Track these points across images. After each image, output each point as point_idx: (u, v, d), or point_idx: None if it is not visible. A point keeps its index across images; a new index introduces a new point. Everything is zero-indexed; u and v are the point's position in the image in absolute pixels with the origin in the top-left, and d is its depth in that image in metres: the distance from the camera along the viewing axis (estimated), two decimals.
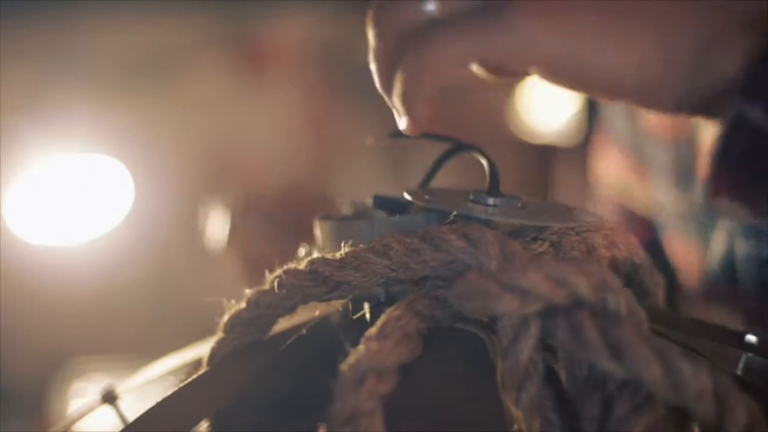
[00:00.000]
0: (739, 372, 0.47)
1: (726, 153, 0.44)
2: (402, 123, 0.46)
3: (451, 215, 0.44)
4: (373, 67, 0.46)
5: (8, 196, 1.78)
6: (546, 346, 0.40)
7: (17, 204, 1.79)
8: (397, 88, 0.44)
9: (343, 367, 0.38)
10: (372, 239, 0.43)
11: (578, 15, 0.43)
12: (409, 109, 0.45)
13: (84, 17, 1.91)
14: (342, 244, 0.44)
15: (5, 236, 1.76)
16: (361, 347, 0.39)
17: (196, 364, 0.47)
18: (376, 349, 0.39)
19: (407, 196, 0.45)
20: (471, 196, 0.45)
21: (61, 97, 1.88)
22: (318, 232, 0.49)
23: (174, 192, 1.90)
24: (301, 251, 0.49)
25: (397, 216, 0.46)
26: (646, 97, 0.45)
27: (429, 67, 0.43)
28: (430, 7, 0.44)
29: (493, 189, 0.45)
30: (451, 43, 0.43)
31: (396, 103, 0.45)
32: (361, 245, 0.43)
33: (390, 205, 0.48)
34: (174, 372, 0.52)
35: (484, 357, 0.42)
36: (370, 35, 0.46)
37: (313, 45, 2.03)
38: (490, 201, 0.45)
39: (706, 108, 0.45)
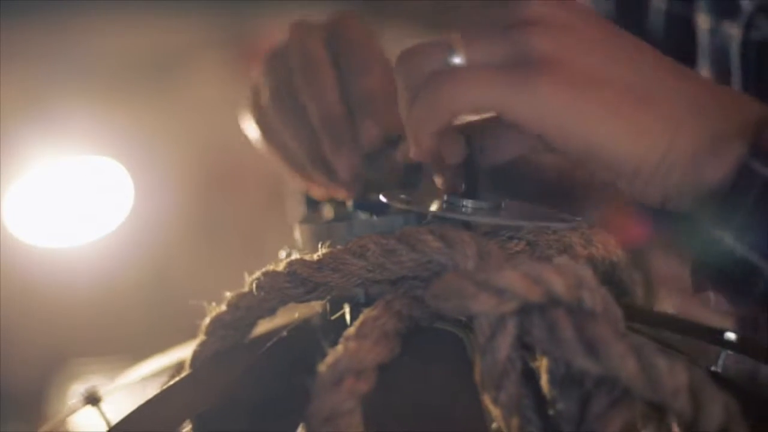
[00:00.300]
0: (717, 369, 0.47)
1: (701, 274, 0.46)
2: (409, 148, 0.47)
3: (429, 216, 0.43)
4: (400, 104, 0.46)
5: (8, 197, 1.78)
6: (524, 345, 0.40)
7: (17, 205, 1.79)
8: (410, 115, 0.44)
9: (322, 367, 0.38)
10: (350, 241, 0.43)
11: (601, 94, 0.43)
12: (416, 138, 0.45)
13: (83, 19, 1.91)
14: (320, 246, 0.43)
15: (5, 237, 1.76)
16: (339, 347, 0.39)
17: (179, 366, 0.47)
18: (354, 348, 0.39)
19: (383, 198, 0.45)
20: (447, 197, 0.45)
21: (60, 98, 1.88)
22: (298, 235, 0.49)
23: (174, 194, 1.90)
24: (282, 253, 0.49)
25: (375, 217, 0.46)
26: (637, 184, 0.45)
27: (442, 104, 0.43)
28: (457, 59, 0.44)
29: (470, 191, 0.45)
30: (470, 87, 0.43)
31: (407, 128, 0.45)
32: (339, 246, 0.43)
33: (370, 207, 0.48)
34: (157, 374, 0.52)
35: (463, 356, 0.42)
36: (397, 76, 0.46)
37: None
38: (466, 203, 0.45)
39: (686, 208, 0.45)
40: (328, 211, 0.51)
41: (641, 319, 0.48)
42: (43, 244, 1.79)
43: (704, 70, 0.69)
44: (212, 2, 2.01)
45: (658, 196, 0.45)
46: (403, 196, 0.46)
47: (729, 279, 0.44)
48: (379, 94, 0.57)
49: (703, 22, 0.68)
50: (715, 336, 0.48)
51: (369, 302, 0.44)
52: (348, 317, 0.45)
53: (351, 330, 0.40)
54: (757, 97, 0.62)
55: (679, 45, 0.70)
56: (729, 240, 0.43)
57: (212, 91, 2.00)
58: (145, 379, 0.51)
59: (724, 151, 0.44)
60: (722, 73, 0.67)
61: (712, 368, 0.47)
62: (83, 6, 1.90)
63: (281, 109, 0.60)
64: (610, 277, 0.49)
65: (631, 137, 0.43)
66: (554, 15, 0.44)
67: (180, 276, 1.84)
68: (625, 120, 0.43)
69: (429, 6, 1.97)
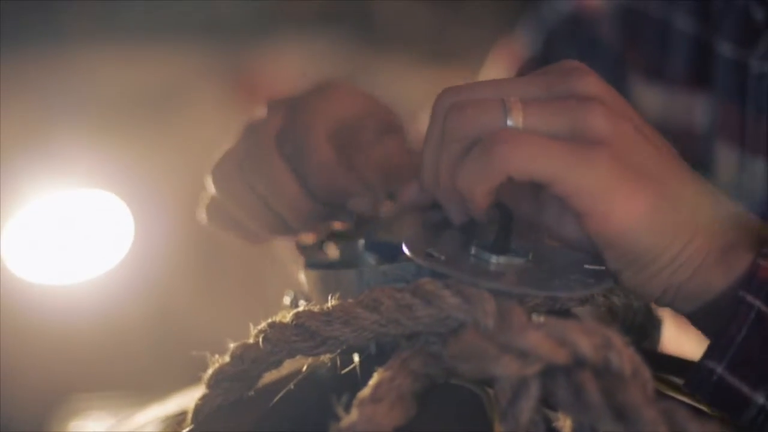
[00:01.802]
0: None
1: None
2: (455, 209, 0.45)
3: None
4: (429, 160, 0.45)
5: (7, 233, 1.74)
6: (547, 404, 0.37)
7: (16, 241, 1.75)
8: (463, 170, 0.42)
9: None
10: (361, 290, 0.40)
11: (646, 186, 0.42)
12: (470, 199, 0.43)
13: (82, 53, 1.88)
14: (329, 297, 0.40)
15: (4, 274, 1.71)
16: (354, 411, 0.36)
17: (181, 418, 0.44)
18: (369, 413, 0.36)
19: (408, 252, 0.42)
20: (474, 251, 0.42)
21: (59, 132, 1.85)
22: (304, 280, 0.45)
23: (174, 228, 1.86)
24: (286, 299, 0.45)
25: (386, 265, 0.43)
26: (644, 275, 0.44)
27: (498, 164, 0.41)
28: (510, 122, 0.42)
29: (502, 245, 0.42)
30: (528, 152, 0.41)
31: (461, 191, 0.43)
32: (349, 299, 0.40)
33: (380, 249, 0.44)
34: (158, 423, 0.48)
35: (481, 414, 0.39)
36: (446, 132, 0.43)
37: (311, 79, 2.00)
38: (493, 258, 0.42)
39: (683, 309, 0.45)
40: (332, 250, 0.47)
41: (664, 366, 0.46)
42: (43, 280, 1.75)
43: (718, 100, 0.67)
44: (209, 36, 1.99)
45: (659, 290, 0.44)
46: (429, 250, 0.42)
47: (720, 404, 0.44)
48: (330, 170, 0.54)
49: (725, 50, 0.66)
50: None
51: (380, 354, 0.41)
52: (359, 370, 0.41)
53: (365, 392, 0.36)
54: None
55: (697, 71, 0.69)
56: (719, 371, 0.43)
57: (211, 125, 1.97)
58: (146, 429, 0.48)
59: (733, 260, 0.44)
60: (735, 104, 0.66)
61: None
62: (82, 40, 1.88)
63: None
64: (630, 323, 0.47)
65: (658, 232, 0.43)
66: (612, 97, 0.43)
67: (181, 311, 1.80)
68: (660, 216, 0.43)
69: (427, 36, 1.96)
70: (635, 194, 0.42)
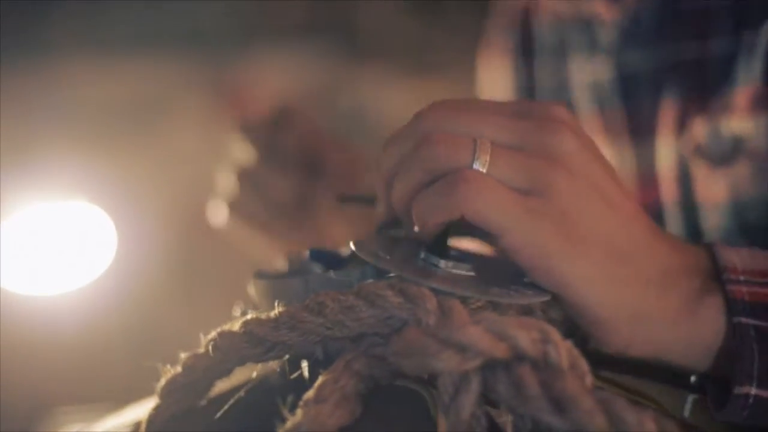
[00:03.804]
0: (686, 414, 0.44)
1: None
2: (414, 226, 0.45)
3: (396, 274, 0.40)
4: (399, 195, 0.44)
5: None
6: (489, 401, 0.36)
7: None
8: (422, 199, 0.43)
9: None
10: (307, 297, 0.39)
11: (591, 249, 0.43)
12: (423, 226, 0.43)
13: (64, 65, 1.86)
14: (276, 303, 0.40)
15: None
16: (298, 412, 0.35)
17: (135, 428, 0.43)
18: (314, 414, 0.36)
19: (356, 251, 0.42)
20: (422, 255, 0.42)
21: (42, 144, 1.83)
22: (253, 290, 0.45)
23: (157, 240, 1.85)
24: (236, 310, 0.45)
25: (332, 272, 0.42)
26: (603, 331, 0.44)
27: (455, 203, 0.42)
28: (477, 164, 0.43)
29: (441, 250, 0.42)
30: (485, 200, 0.42)
31: (415, 217, 0.43)
32: (295, 303, 0.39)
33: (326, 259, 0.44)
34: None
35: (425, 414, 0.38)
36: (414, 160, 0.44)
37: (295, 92, 1.99)
38: (441, 263, 0.42)
39: (671, 356, 0.46)
40: (282, 263, 0.47)
41: (608, 365, 0.45)
42: (25, 291, 1.73)
43: (582, 116, 0.69)
44: (192, 48, 1.98)
45: (621, 345, 0.45)
46: (375, 250, 0.42)
47: (760, 418, 0.45)
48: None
49: (579, 74, 0.69)
50: (681, 380, 0.45)
51: (328, 359, 0.40)
52: (306, 375, 0.41)
53: (310, 394, 0.36)
54: (635, 122, 0.65)
55: None
56: (755, 391, 0.44)
57: (194, 137, 1.96)
58: None
59: (703, 312, 0.44)
60: (600, 113, 0.68)
61: (684, 414, 0.44)
62: (64, 52, 1.86)
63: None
64: (571, 332, 0.46)
65: (606, 289, 0.43)
66: (583, 154, 0.44)
67: (164, 322, 1.78)
68: (607, 274, 0.43)
69: (410, 48, 1.95)
70: (578, 254, 0.42)
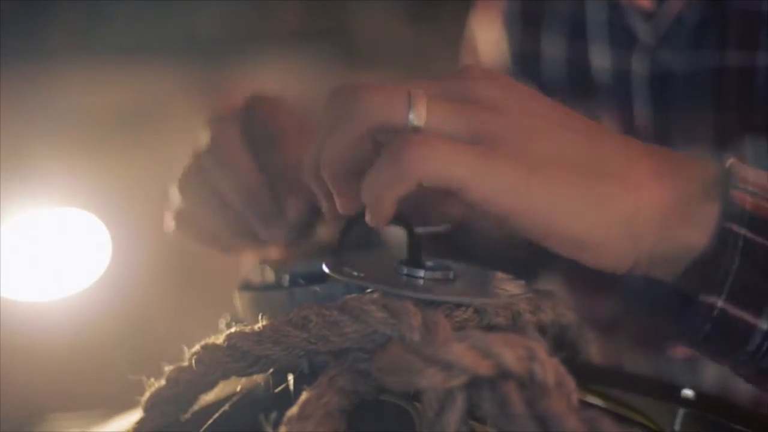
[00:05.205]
0: (677, 428, 0.43)
1: (685, 341, 0.43)
2: (368, 215, 0.41)
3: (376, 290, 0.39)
4: (332, 153, 0.41)
5: None
6: (474, 417, 0.36)
7: None
8: (373, 178, 0.39)
9: None
10: (291, 309, 0.38)
11: (553, 171, 0.40)
12: (378, 202, 0.40)
13: (58, 72, 1.86)
14: (260, 317, 0.39)
15: None
16: (281, 429, 0.35)
17: None
18: (297, 431, 0.34)
19: (327, 270, 0.41)
20: (397, 267, 0.41)
21: (36, 151, 1.82)
22: (237, 302, 0.44)
23: (151, 247, 1.84)
24: (222, 322, 0.44)
25: (316, 286, 0.41)
26: (605, 255, 0.41)
27: (408, 171, 0.38)
28: (412, 115, 0.39)
29: (415, 260, 0.41)
30: (437, 159, 0.38)
31: (366, 198, 0.40)
32: (279, 317, 0.38)
33: (310, 274, 0.43)
34: None
35: (410, 429, 0.37)
36: (345, 112, 0.40)
37: (288, 98, 1.98)
38: (419, 273, 0.41)
39: (661, 268, 0.43)
40: (268, 274, 0.46)
41: (597, 378, 0.44)
42: (19, 297, 1.72)
43: (604, 108, 0.66)
44: (188, 55, 1.97)
45: (628, 265, 0.42)
46: (347, 268, 0.41)
47: (719, 340, 0.41)
48: (296, 165, 0.52)
49: (600, 60, 0.65)
50: (672, 394, 0.45)
51: (313, 373, 0.39)
52: (292, 389, 0.40)
53: (294, 410, 0.35)
54: (664, 128, 0.59)
55: (576, 88, 0.68)
56: (721, 304, 0.40)
57: (189, 144, 1.94)
58: None
59: (698, 216, 0.41)
60: (623, 109, 0.65)
61: (675, 429, 0.43)
62: (58, 60, 1.85)
63: (197, 197, 0.60)
64: (561, 340, 0.45)
65: (589, 208, 0.40)
66: (514, 94, 0.41)
67: (159, 330, 1.77)
68: (581, 192, 0.40)
69: (406, 54, 1.95)
70: (548, 182, 0.39)
